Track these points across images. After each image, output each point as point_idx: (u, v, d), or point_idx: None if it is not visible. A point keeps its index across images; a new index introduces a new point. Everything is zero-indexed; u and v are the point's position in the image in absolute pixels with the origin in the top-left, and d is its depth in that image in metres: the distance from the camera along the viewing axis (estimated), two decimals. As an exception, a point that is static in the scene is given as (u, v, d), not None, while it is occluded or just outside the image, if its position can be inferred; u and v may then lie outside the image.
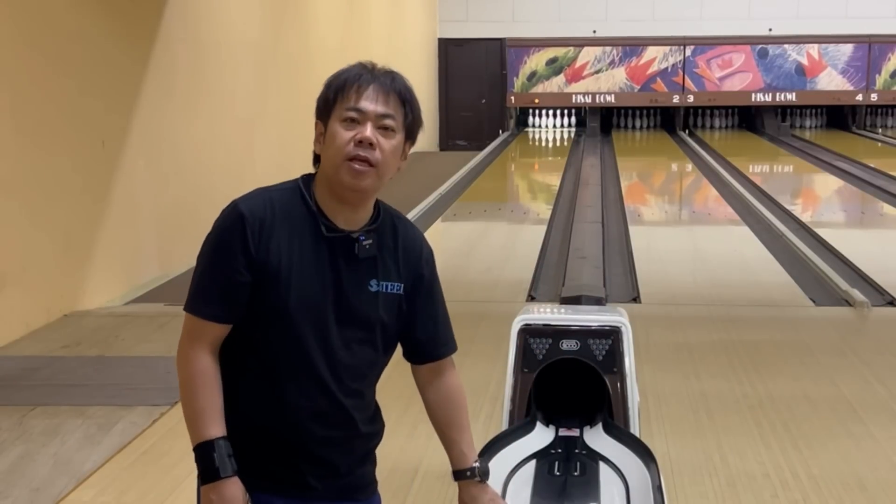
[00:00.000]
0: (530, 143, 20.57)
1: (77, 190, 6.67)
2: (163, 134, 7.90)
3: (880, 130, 21.04)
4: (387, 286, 2.10)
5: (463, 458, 2.22)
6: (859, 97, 20.84)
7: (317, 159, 2.11)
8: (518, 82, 21.00)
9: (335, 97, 2.04)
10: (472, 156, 16.44)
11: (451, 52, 20.98)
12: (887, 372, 5.37)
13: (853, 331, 6.45)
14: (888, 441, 4.40)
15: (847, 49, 20.69)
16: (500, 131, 20.57)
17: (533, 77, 20.99)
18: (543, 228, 10.11)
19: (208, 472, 2.01)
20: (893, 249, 9.73)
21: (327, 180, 2.05)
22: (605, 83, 20.85)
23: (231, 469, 2.01)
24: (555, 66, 20.94)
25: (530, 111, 21.60)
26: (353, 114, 2.01)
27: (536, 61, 20.95)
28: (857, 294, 6.95)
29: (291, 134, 11.33)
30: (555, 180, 14.19)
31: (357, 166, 2.00)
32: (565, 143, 19.70)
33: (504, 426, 3.08)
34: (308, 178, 2.11)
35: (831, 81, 20.83)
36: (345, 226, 2.07)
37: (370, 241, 2.06)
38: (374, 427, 2.20)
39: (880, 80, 20.75)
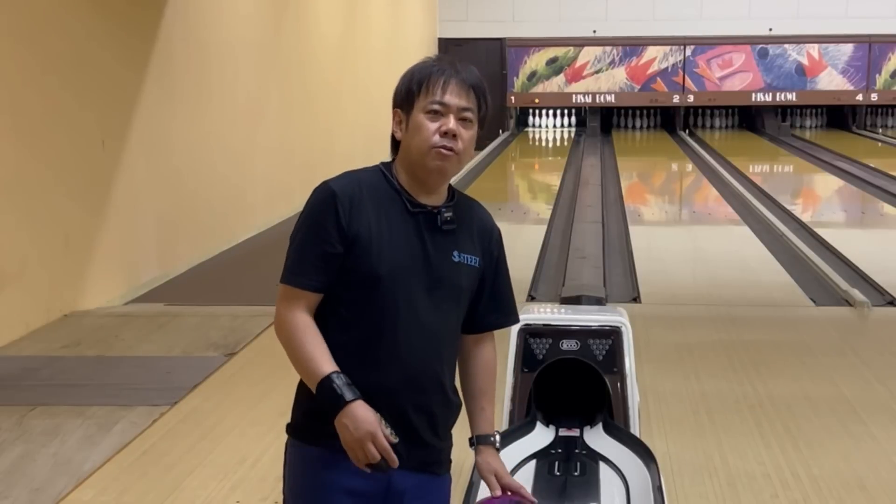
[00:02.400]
0: (530, 143, 20.56)
1: (77, 190, 6.67)
2: (163, 134, 7.90)
3: (880, 130, 21.04)
4: (467, 258, 2.25)
5: (488, 425, 2.36)
6: (859, 97, 20.85)
7: (394, 145, 2.26)
8: (518, 82, 21.00)
9: (419, 90, 2.19)
10: (472, 156, 16.44)
11: (452, 52, 20.97)
12: (887, 372, 5.36)
13: (853, 331, 6.45)
14: (888, 441, 4.40)
15: (847, 49, 20.69)
16: (500, 131, 20.55)
17: (533, 77, 20.99)
18: (543, 228, 10.10)
19: (335, 402, 2.08)
20: (893, 249, 9.72)
21: (410, 164, 2.21)
22: (605, 83, 20.85)
23: (353, 394, 2.09)
24: (555, 66, 20.94)
25: (530, 111, 21.60)
26: (437, 107, 2.17)
27: (536, 61, 20.95)
28: (857, 294, 6.95)
29: (291, 133, 11.34)
30: (555, 180, 14.20)
31: (444, 152, 2.17)
32: (565, 143, 19.70)
33: (504, 426, 3.08)
34: (387, 164, 2.26)
35: (831, 81, 20.83)
36: (426, 203, 2.23)
37: (450, 214, 2.23)
38: (456, 398, 2.30)
39: (880, 79, 20.75)
